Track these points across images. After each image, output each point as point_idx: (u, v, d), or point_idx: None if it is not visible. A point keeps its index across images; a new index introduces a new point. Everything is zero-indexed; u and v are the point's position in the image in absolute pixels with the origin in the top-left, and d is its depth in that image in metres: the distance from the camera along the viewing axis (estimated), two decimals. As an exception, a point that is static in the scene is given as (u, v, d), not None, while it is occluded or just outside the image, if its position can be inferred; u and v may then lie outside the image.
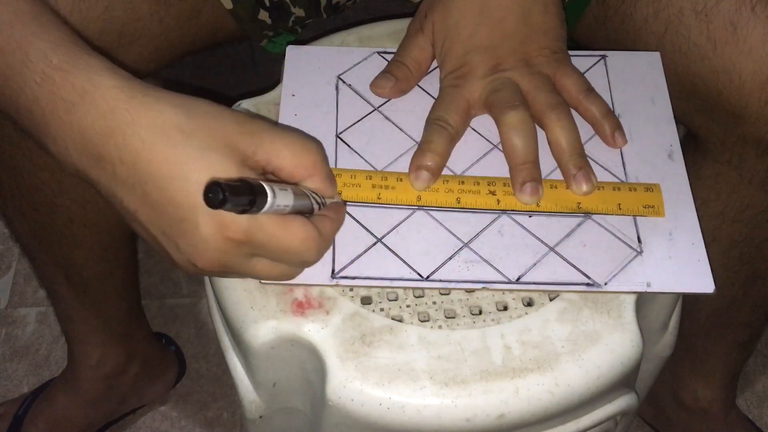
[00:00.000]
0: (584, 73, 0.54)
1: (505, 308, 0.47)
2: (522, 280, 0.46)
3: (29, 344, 1.00)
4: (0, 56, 0.39)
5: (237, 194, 0.35)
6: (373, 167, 0.51)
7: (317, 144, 0.44)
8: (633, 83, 0.54)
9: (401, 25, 0.60)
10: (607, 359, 0.44)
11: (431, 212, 0.49)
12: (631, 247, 0.47)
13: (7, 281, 1.05)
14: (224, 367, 0.54)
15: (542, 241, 0.47)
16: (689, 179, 0.50)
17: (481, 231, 0.48)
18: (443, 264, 0.47)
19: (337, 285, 0.46)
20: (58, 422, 0.86)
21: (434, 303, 0.47)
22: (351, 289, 0.47)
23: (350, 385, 0.43)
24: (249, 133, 0.40)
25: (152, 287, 1.03)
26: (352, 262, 0.47)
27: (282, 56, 0.58)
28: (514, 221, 0.48)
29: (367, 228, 0.48)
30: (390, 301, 0.47)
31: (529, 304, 0.47)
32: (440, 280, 0.46)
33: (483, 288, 0.46)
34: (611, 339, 0.45)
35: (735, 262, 0.64)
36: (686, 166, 0.50)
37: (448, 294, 0.47)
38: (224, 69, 1.03)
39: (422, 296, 0.47)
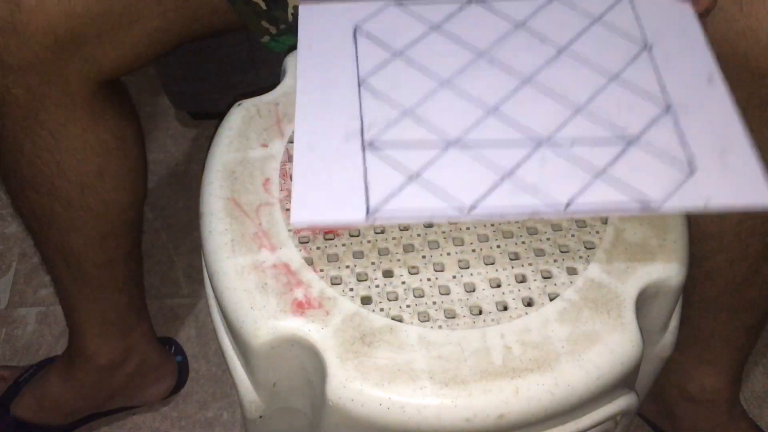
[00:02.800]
0: (610, 9, 0.54)
1: (505, 308, 0.47)
2: (571, 206, 0.44)
3: (29, 344, 0.99)
4: None
5: None
6: (401, 107, 0.50)
7: None
8: (661, 14, 0.53)
9: (401, 25, 0.60)
10: (607, 359, 0.44)
11: (468, 146, 0.47)
12: (683, 167, 0.46)
13: (7, 281, 1.05)
14: (224, 367, 0.54)
15: (588, 167, 0.46)
16: None
17: (522, 162, 0.46)
18: (485, 196, 0.45)
19: (373, 224, 0.44)
20: (47, 402, 0.87)
21: (434, 303, 0.47)
22: (351, 289, 0.47)
23: (350, 385, 0.43)
24: None
25: (152, 287, 1.03)
26: (386, 200, 0.45)
27: (281, 55, 0.58)
28: (556, 150, 0.47)
29: (400, 166, 0.46)
30: (390, 301, 0.47)
31: (529, 304, 0.47)
32: (484, 212, 0.44)
33: (531, 217, 0.44)
34: (611, 339, 0.45)
35: (748, 236, 0.64)
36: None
37: (448, 294, 0.47)
38: (224, 69, 1.03)
39: (422, 296, 0.47)
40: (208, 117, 1.18)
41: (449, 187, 0.45)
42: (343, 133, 0.48)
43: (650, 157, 0.46)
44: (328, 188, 0.45)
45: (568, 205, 0.44)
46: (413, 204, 0.44)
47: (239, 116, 0.55)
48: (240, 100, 0.56)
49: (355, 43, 0.53)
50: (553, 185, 0.45)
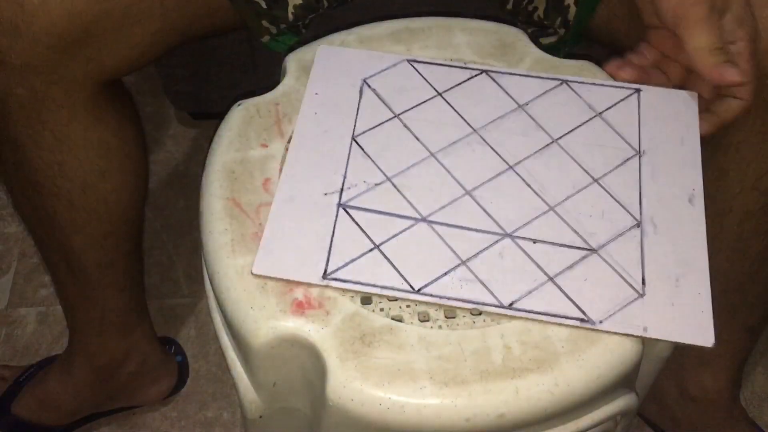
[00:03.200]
0: (615, 105, 0.53)
1: (505, 308, 0.46)
2: (514, 306, 0.45)
3: (29, 344, 0.99)
4: None
5: None
6: (383, 173, 0.51)
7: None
8: (664, 121, 0.53)
9: (401, 25, 0.60)
10: (607, 359, 0.44)
11: (434, 226, 0.49)
12: (633, 288, 0.46)
13: (7, 281, 1.05)
14: (224, 367, 0.54)
15: (542, 270, 0.47)
16: (708, 151, 0.49)
17: (482, 251, 0.47)
18: (437, 279, 0.46)
19: (327, 286, 0.46)
20: (47, 401, 0.87)
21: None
22: (351, 289, 0.47)
23: (350, 385, 0.43)
24: None
25: (152, 287, 1.03)
26: (345, 264, 0.47)
27: (281, 55, 0.58)
28: (517, 245, 0.48)
29: (366, 233, 0.48)
30: (390, 301, 0.47)
31: (529, 304, 0.47)
32: (431, 295, 0.46)
33: (473, 309, 0.46)
34: (611, 339, 0.45)
35: (749, 235, 0.64)
36: (706, 138, 0.50)
37: (448, 294, 0.47)
38: (224, 69, 1.03)
39: (422, 296, 0.47)
40: (208, 117, 1.18)
41: (406, 264, 0.47)
42: (324, 189, 0.50)
43: (605, 271, 0.47)
44: (295, 243, 0.48)
45: (510, 305, 0.45)
46: (368, 274, 0.46)
47: (239, 116, 0.55)
48: (240, 100, 0.56)
49: (360, 98, 0.54)
50: (503, 281, 0.46)
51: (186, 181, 1.14)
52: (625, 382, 0.47)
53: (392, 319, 0.46)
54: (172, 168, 1.16)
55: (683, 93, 0.54)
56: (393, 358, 0.44)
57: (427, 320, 0.46)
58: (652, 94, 0.54)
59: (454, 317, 0.46)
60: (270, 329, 0.45)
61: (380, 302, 0.47)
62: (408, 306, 0.47)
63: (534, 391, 0.43)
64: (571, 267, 0.47)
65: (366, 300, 0.47)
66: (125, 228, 0.72)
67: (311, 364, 0.46)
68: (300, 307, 0.46)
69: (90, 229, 0.69)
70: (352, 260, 0.47)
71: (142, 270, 0.82)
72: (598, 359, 0.44)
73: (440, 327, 0.46)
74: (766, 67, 0.53)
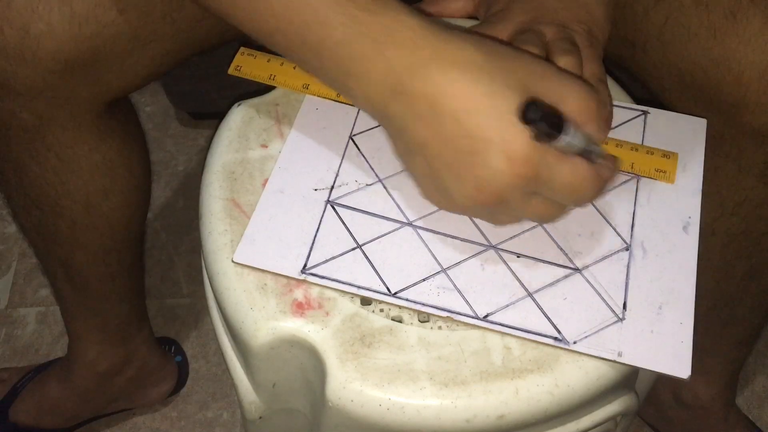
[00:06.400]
0: (621, 125, 0.52)
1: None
2: (489, 318, 0.45)
3: (29, 344, 1.00)
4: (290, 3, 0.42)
5: (549, 117, 0.39)
6: (376, 174, 0.51)
7: (598, 92, 0.44)
8: (667, 145, 0.52)
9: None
10: (608, 360, 0.44)
11: (420, 231, 0.48)
12: (613, 311, 0.45)
13: (7, 281, 1.05)
14: (224, 367, 0.54)
15: (522, 284, 0.46)
16: None
17: (464, 260, 0.47)
18: (414, 284, 0.46)
19: (304, 280, 0.46)
20: (47, 407, 0.87)
21: (434, 304, 0.47)
22: (351, 290, 0.47)
23: (350, 385, 0.43)
24: (540, 76, 0.42)
25: (152, 287, 1.03)
26: (326, 261, 0.47)
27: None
28: (499, 258, 0.47)
29: (351, 232, 0.48)
30: (390, 302, 0.47)
31: (529, 304, 0.47)
32: (406, 299, 0.46)
33: (447, 317, 0.45)
34: (611, 340, 0.45)
35: (733, 257, 0.64)
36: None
37: (447, 295, 0.47)
38: (224, 69, 1.02)
39: (422, 297, 0.47)
40: (208, 117, 1.18)
41: (386, 266, 0.47)
42: (314, 184, 0.50)
43: (587, 292, 0.46)
44: (278, 236, 0.48)
45: (485, 317, 0.45)
46: (346, 273, 0.46)
47: (239, 116, 0.55)
48: (240, 100, 0.56)
49: None
50: (481, 292, 0.46)
51: (186, 181, 1.14)
52: (625, 382, 0.47)
53: (392, 319, 0.46)
54: (172, 168, 1.16)
55: (691, 118, 0.53)
56: (393, 358, 0.44)
57: (427, 321, 0.46)
58: (658, 117, 0.53)
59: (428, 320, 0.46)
60: (270, 330, 0.45)
61: (380, 303, 0.47)
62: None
63: (534, 392, 0.43)
64: (552, 284, 0.46)
65: (366, 300, 0.47)
66: (127, 242, 0.72)
67: (311, 365, 0.46)
68: (300, 308, 0.46)
69: (92, 246, 0.69)
70: (333, 257, 0.47)
71: (143, 278, 0.82)
72: (599, 360, 0.44)
73: (440, 327, 0.46)
74: (733, 96, 0.52)
